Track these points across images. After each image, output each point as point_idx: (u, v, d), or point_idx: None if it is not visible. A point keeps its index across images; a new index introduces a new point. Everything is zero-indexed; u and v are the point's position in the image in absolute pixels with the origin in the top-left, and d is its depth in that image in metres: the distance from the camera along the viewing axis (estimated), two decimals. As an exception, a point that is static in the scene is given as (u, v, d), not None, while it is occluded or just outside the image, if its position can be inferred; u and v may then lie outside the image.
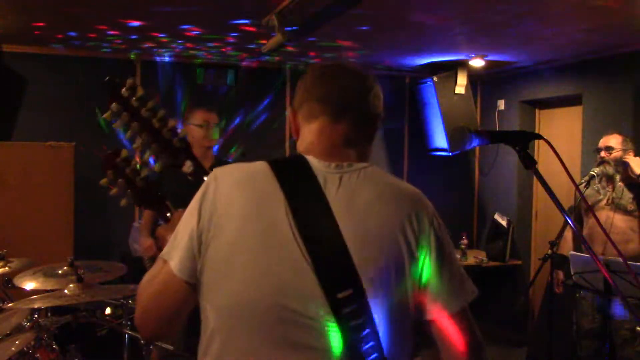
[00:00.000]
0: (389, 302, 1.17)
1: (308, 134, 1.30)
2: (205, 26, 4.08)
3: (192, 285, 1.22)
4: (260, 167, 1.24)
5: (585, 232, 3.84)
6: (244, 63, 5.42)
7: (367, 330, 1.14)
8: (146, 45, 4.72)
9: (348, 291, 1.13)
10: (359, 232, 1.18)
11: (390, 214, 1.22)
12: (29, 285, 2.83)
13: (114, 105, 1.52)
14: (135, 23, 3.98)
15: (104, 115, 1.53)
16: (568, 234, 3.98)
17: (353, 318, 1.14)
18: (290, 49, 4.65)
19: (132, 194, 1.55)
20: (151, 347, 2.83)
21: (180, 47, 4.78)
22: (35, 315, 2.89)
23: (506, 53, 4.85)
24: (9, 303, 2.97)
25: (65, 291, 2.69)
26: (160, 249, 1.36)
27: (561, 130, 5.41)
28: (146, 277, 1.30)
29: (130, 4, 3.55)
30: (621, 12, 3.52)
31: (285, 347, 1.15)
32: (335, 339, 1.14)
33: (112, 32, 4.28)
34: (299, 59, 5.26)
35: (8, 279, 3.14)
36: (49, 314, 3.05)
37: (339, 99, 1.29)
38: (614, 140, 3.76)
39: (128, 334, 2.97)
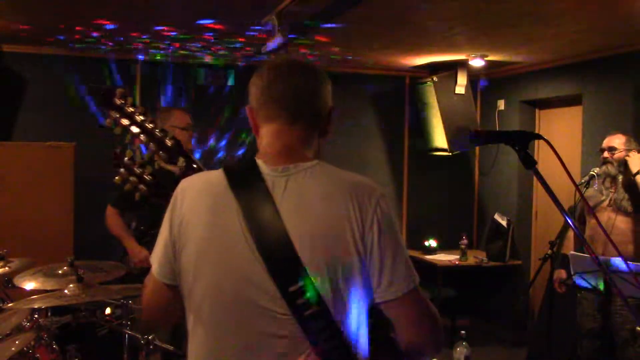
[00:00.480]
0: (340, 292, 1.26)
1: (265, 136, 1.38)
2: (220, 27, 4.09)
3: (173, 287, 1.37)
4: (217, 176, 1.35)
5: (587, 232, 3.83)
6: (244, 63, 5.42)
7: (321, 319, 1.24)
8: (149, 45, 4.72)
9: (298, 284, 1.24)
10: (306, 229, 1.27)
11: (335, 207, 1.29)
12: (29, 285, 2.83)
13: (112, 113, 1.69)
14: (149, 23, 3.98)
15: (106, 123, 1.72)
16: (571, 233, 3.97)
17: (307, 308, 1.24)
18: (289, 48, 4.65)
19: (144, 188, 1.70)
20: (151, 347, 2.83)
21: (183, 46, 4.78)
22: (35, 315, 2.89)
23: (506, 53, 4.85)
24: (9, 303, 2.97)
25: (65, 291, 2.69)
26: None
27: (561, 130, 5.41)
28: (145, 282, 1.45)
29: (142, 4, 3.55)
30: (621, 12, 3.53)
31: (254, 337, 1.27)
32: (295, 327, 1.25)
33: (120, 32, 4.28)
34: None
35: (8, 279, 3.14)
36: (49, 314, 3.05)
37: (294, 100, 1.36)
38: (617, 141, 3.74)
39: (128, 334, 2.97)
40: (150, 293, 1.42)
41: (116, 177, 1.74)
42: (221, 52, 5.00)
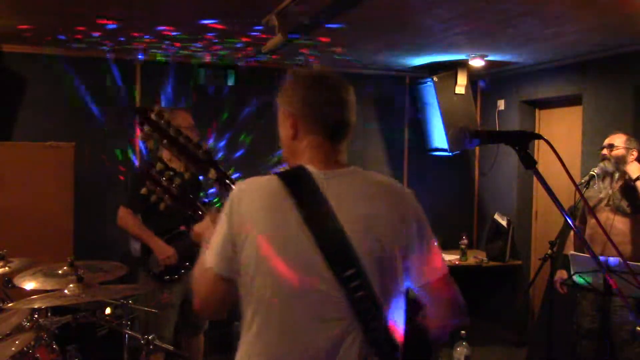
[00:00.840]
0: (384, 278, 1.49)
1: (308, 146, 1.57)
2: (220, 27, 4.08)
3: (230, 280, 1.51)
4: (268, 180, 1.52)
5: (587, 232, 3.84)
6: (244, 63, 5.42)
7: (369, 301, 1.45)
8: (150, 45, 4.72)
9: (351, 270, 1.44)
10: (356, 223, 1.47)
11: (377, 204, 1.52)
12: (29, 285, 2.83)
13: (146, 128, 1.82)
14: (149, 23, 3.98)
15: (139, 137, 1.84)
16: (572, 233, 3.98)
17: (357, 291, 1.44)
18: (290, 49, 4.65)
19: (169, 199, 1.85)
20: (151, 347, 2.83)
21: (183, 47, 4.77)
22: (35, 315, 2.89)
23: (506, 53, 4.85)
24: (9, 303, 2.97)
25: (65, 291, 2.69)
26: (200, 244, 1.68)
27: (561, 130, 5.41)
28: (196, 275, 1.58)
29: (142, 4, 3.55)
30: (621, 12, 3.53)
31: (313, 320, 1.45)
32: (348, 310, 1.44)
33: (120, 32, 4.28)
34: (299, 59, 5.26)
35: (8, 279, 3.14)
36: (49, 314, 3.05)
37: (336, 121, 1.57)
38: (618, 140, 3.76)
39: (128, 334, 2.97)
40: (206, 286, 1.55)
41: (142, 189, 1.86)
42: (221, 52, 5.00)
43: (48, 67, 4.97)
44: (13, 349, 2.58)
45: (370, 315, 1.45)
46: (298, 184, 1.49)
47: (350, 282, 1.43)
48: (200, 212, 1.89)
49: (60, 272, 2.94)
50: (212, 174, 1.81)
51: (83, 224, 4.74)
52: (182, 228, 3.59)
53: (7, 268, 3.10)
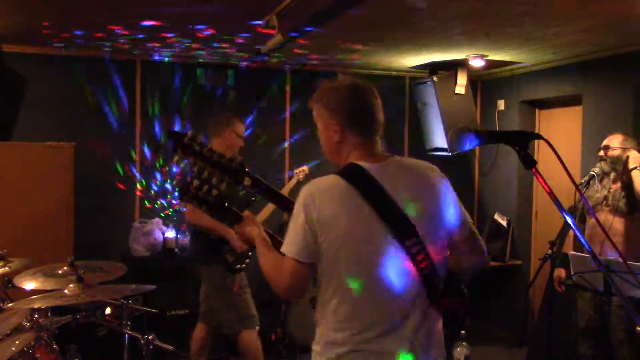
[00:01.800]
0: (437, 240, 1.84)
1: (354, 146, 1.88)
2: (218, 27, 4.09)
3: (310, 265, 1.79)
4: (333, 178, 1.81)
5: (586, 232, 3.84)
6: (244, 63, 5.42)
7: (427, 261, 1.80)
8: (149, 45, 4.72)
9: (412, 240, 1.78)
10: (410, 201, 1.81)
11: (424, 182, 1.88)
12: (29, 285, 2.83)
13: (179, 152, 2.09)
14: (148, 23, 3.98)
15: (174, 160, 2.14)
16: (572, 232, 3.98)
17: (418, 255, 1.78)
18: (289, 48, 4.65)
19: (206, 210, 2.09)
20: (150, 347, 2.83)
21: (182, 46, 4.77)
22: (35, 315, 2.89)
23: (506, 53, 4.85)
24: (9, 303, 2.97)
25: (65, 291, 2.69)
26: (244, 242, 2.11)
27: (561, 130, 5.41)
28: (271, 268, 1.89)
29: (142, 4, 3.55)
30: (621, 12, 3.53)
31: (389, 287, 1.77)
32: (412, 271, 1.79)
33: (119, 32, 4.28)
34: (299, 59, 5.26)
35: (8, 279, 3.14)
36: (49, 314, 3.05)
37: (377, 120, 1.90)
38: (614, 140, 3.76)
39: (128, 334, 2.97)
40: (290, 274, 1.80)
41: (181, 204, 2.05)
42: (221, 52, 5.00)
43: (48, 67, 4.97)
44: (13, 349, 2.58)
45: (431, 281, 1.81)
46: (359, 179, 1.79)
47: (412, 249, 1.77)
48: (237, 216, 2.12)
49: (60, 272, 2.94)
50: (247, 180, 2.09)
51: (83, 224, 4.74)
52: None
53: (7, 268, 3.10)
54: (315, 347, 1.86)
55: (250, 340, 3.93)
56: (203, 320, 4.02)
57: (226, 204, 2.12)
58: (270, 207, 4.31)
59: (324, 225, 1.76)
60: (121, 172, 5.16)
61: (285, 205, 2.16)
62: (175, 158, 2.11)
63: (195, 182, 2.09)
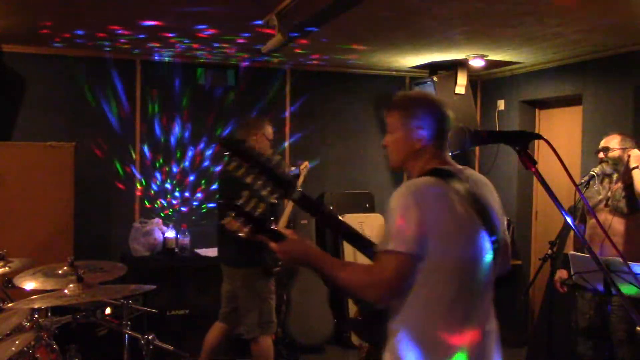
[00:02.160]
0: (502, 241, 2.00)
1: (433, 154, 2.00)
2: (219, 27, 4.08)
3: (418, 260, 1.81)
4: (433, 179, 1.90)
5: (586, 232, 3.83)
6: (244, 63, 5.42)
7: (501, 264, 2.05)
8: (150, 45, 4.72)
9: (494, 237, 1.92)
10: (490, 203, 1.97)
11: (489, 190, 2.03)
12: (29, 285, 2.83)
13: (236, 159, 1.98)
14: (149, 23, 3.98)
15: (230, 168, 1.98)
16: (573, 232, 3.97)
17: (497, 256, 1.95)
18: (289, 48, 4.65)
19: (251, 229, 1.97)
20: (150, 347, 2.83)
21: (183, 46, 4.77)
22: (35, 315, 2.89)
23: (506, 53, 4.85)
24: (9, 303, 2.97)
25: (65, 291, 2.69)
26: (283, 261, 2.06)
27: (561, 130, 5.41)
28: (362, 275, 1.87)
29: (142, 4, 3.55)
30: (621, 12, 3.53)
31: (480, 284, 1.95)
32: (492, 275, 2.01)
33: (120, 32, 4.28)
34: (299, 59, 5.26)
35: (8, 279, 3.14)
36: (49, 314, 3.05)
37: (448, 131, 2.02)
38: (613, 141, 3.75)
39: (128, 334, 2.96)
40: (396, 271, 1.82)
41: (223, 221, 2.03)
42: (221, 52, 5.00)
43: (48, 67, 4.97)
44: (13, 349, 2.58)
45: (502, 277, 2.05)
46: (451, 179, 1.91)
47: (494, 245, 1.92)
48: (279, 236, 2.00)
49: (60, 272, 2.94)
50: (297, 194, 2.01)
51: (83, 224, 4.74)
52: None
53: (7, 268, 3.10)
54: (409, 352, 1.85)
55: (266, 346, 3.92)
56: (225, 321, 4.01)
57: (269, 221, 2.06)
58: (289, 209, 4.32)
59: (433, 222, 1.82)
60: (121, 172, 5.16)
61: (329, 222, 2.11)
62: (231, 166, 1.98)
63: (246, 194, 1.99)
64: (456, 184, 1.91)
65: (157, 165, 5.27)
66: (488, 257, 1.92)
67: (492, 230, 1.92)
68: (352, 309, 4.60)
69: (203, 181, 5.40)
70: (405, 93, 2.13)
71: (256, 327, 3.84)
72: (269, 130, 3.99)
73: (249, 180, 1.97)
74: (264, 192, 1.98)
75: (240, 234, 1.99)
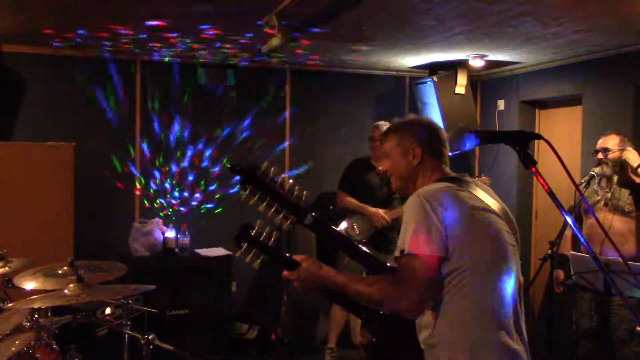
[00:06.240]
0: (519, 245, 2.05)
1: (435, 168, 2.08)
2: (219, 27, 4.08)
3: (443, 259, 1.84)
4: (446, 184, 1.97)
5: (584, 232, 3.84)
6: (244, 63, 5.42)
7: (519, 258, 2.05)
8: (150, 44, 4.72)
9: (515, 235, 2.00)
10: (502, 207, 2.06)
11: (493, 196, 2.06)
12: (29, 285, 2.83)
13: (249, 187, 1.95)
14: (150, 22, 3.98)
15: (243, 196, 1.96)
16: (568, 233, 3.98)
17: (516, 252, 2.00)
18: (290, 49, 4.65)
19: (265, 258, 1.96)
20: (150, 347, 2.83)
21: (183, 46, 4.77)
22: (35, 315, 2.89)
23: (506, 53, 4.85)
24: (9, 303, 2.97)
25: (65, 291, 2.69)
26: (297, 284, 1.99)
27: (561, 130, 5.41)
28: (387, 287, 1.87)
29: (144, 4, 3.55)
30: (621, 12, 3.53)
31: (513, 278, 1.94)
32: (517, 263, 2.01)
33: (122, 32, 4.28)
34: (299, 59, 5.26)
35: (8, 279, 3.14)
36: (49, 314, 3.05)
37: (445, 152, 2.11)
38: (611, 142, 3.75)
39: (128, 334, 2.97)
40: (425, 276, 1.83)
41: (238, 252, 1.97)
42: (221, 52, 5.00)
43: (48, 67, 4.96)
44: (13, 349, 2.58)
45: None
46: (464, 186, 1.98)
47: (514, 245, 1.97)
48: (293, 263, 1.99)
49: (60, 272, 2.94)
50: (309, 219, 2.00)
51: (83, 224, 4.74)
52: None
53: (7, 268, 3.10)
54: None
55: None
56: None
57: (281, 250, 2.04)
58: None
59: (452, 225, 1.85)
60: (121, 172, 5.15)
61: (346, 248, 2.11)
62: (244, 195, 1.96)
63: (259, 225, 1.98)
64: (465, 186, 1.96)
65: (157, 164, 5.27)
66: (514, 255, 1.95)
67: (513, 229, 1.98)
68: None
69: (202, 181, 5.40)
70: (398, 119, 2.21)
71: None
72: (372, 132, 4.73)
73: (261, 208, 1.96)
74: (277, 219, 1.97)
75: (253, 265, 1.96)
